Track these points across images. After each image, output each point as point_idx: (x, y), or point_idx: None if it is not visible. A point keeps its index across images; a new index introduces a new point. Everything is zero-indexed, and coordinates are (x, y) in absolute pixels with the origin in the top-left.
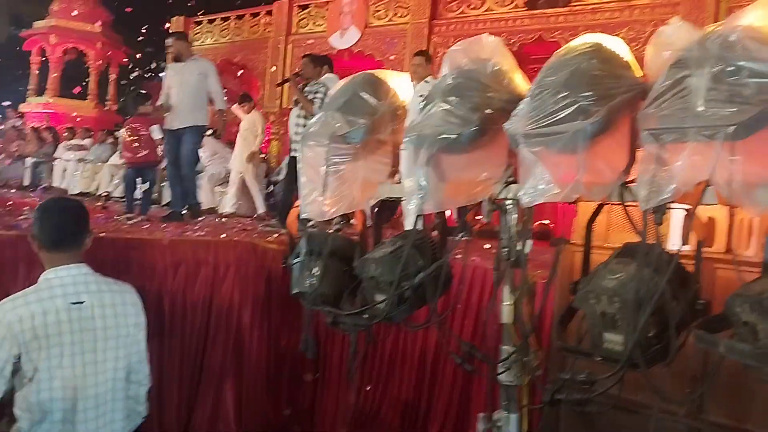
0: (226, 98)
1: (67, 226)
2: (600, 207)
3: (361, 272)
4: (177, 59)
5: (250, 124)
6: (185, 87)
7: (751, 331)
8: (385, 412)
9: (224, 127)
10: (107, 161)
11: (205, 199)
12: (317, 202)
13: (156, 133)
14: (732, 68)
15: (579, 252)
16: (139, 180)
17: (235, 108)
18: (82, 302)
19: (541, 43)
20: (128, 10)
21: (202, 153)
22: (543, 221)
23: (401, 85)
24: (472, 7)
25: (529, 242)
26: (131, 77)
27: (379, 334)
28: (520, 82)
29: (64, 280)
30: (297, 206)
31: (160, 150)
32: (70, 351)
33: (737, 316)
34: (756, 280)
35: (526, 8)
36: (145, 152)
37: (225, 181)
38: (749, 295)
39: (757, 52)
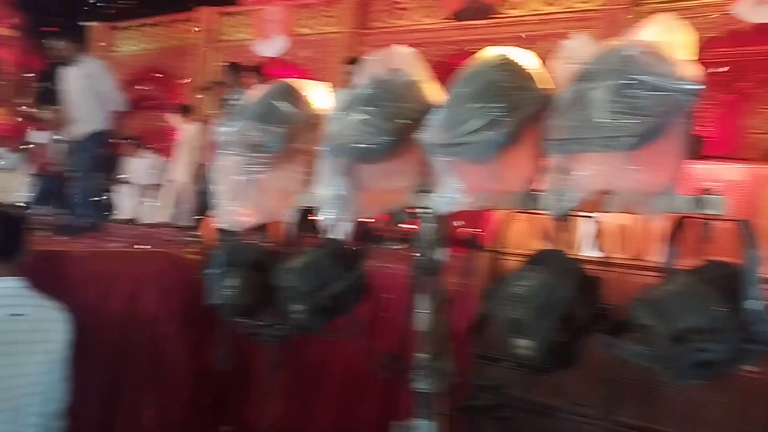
0: (125, 102)
1: (8, 237)
2: (513, 215)
3: (278, 282)
4: (64, 63)
5: (193, 134)
6: (75, 92)
7: (649, 333)
8: (313, 424)
9: (127, 132)
10: (21, 170)
11: (128, 208)
12: (233, 211)
13: (35, 138)
14: (631, 81)
15: (500, 259)
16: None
17: (174, 118)
18: (21, 314)
19: (467, 54)
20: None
21: (137, 164)
22: (472, 228)
23: (318, 94)
24: (398, 17)
25: (445, 250)
26: (47, 85)
27: (301, 345)
28: (433, 92)
29: (5, 291)
30: (211, 216)
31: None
32: (2, 362)
33: (638, 320)
34: (656, 285)
35: (451, 20)
36: (38, 160)
37: (153, 190)
38: (648, 299)
39: (654, 67)
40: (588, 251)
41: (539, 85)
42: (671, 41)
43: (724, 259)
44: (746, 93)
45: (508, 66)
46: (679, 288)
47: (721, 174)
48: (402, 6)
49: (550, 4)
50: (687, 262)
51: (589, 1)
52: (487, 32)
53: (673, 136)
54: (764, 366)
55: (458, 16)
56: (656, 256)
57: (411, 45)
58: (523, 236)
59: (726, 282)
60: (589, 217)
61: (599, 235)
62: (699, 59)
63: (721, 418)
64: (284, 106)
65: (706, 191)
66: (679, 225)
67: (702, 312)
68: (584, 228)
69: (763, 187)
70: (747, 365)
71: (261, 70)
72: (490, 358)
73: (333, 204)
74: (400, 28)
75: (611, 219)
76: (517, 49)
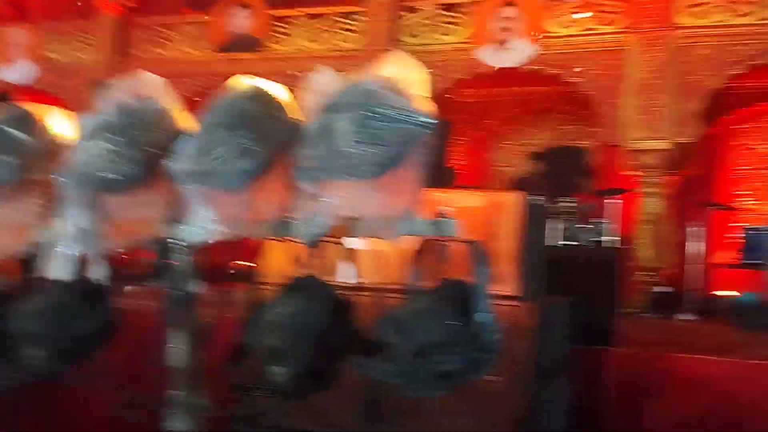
0: None
1: None
2: (264, 244)
3: (12, 326)
4: None
5: None
6: None
7: (393, 351)
8: None
9: None
10: None
11: None
12: None
13: None
14: (372, 113)
15: (258, 288)
16: None
17: None
18: None
19: None
20: None
21: None
22: (246, 261)
23: (58, 121)
24: (161, 46)
25: (199, 281)
26: None
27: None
28: (183, 120)
29: None
30: None
31: None
32: None
33: (384, 338)
34: (401, 305)
35: (218, 52)
36: None
37: None
38: (392, 317)
39: (392, 100)
40: (345, 277)
41: (289, 116)
42: (408, 77)
43: (461, 277)
44: (492, 130)
45: (259, 96)
46: (418, 306)
47: (463, 201)
48: (166, 35)
49: (315, 42)
50: (429, 282)
51: (351, 42)
52: (253, 66)
53: (411, 164)
54: (505, 374)
55: (224, 48)
56: (407, 278)
57: (175, 75)
58: (280, 264)
59: (460, 298)
60: (341, 243)
61: (356, 261)
62: (450, 98)
63: (472, 426)
64: (16, 133)
65: (442, 215)
66: (421, 248)
67: (438, 327)
68: (341, 254)
69: (498, 212)
70: (482, 374)
71: (8, 96)
72: (249, 389)
73: (76, 238)
74: (164, 58)
75: (368, 245)
76: (268, 81)
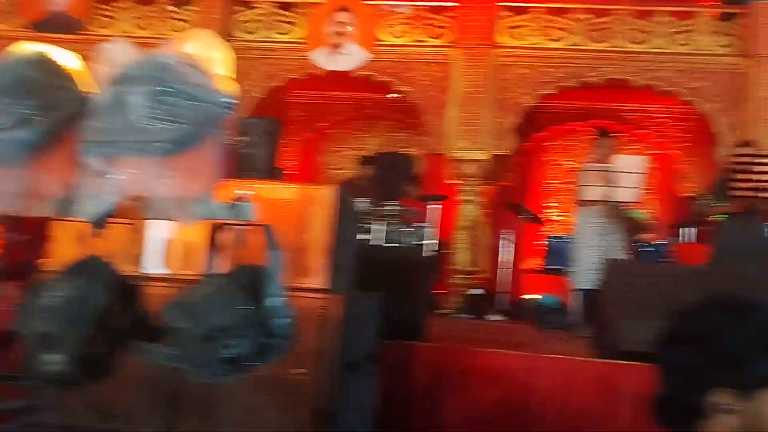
0: None
1: None
2: (47, 224)
3: None
4: None
5: None
6: None
7: (180, 335)
8: None
9: None
10: None
11: None
12: None
13: None
14: (168, 89)
15: (38, 271)
16: None
17: None
18: None
19: None
20: None
21: None
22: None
23: None
24: None
25: None
26: None
27: None
28: None
29: None
30: None
31: None
32: None
33: (171, 322)
34: (191, 289)
35: (30, 30)
36: None
37: None
38: (181, 301)
39: (191, 77)
40: (136, 261)
41: (78, 86)
42: (211, 57)
43: (255, 261)
44: (323, 133)
45: (43, 63)
46: (207, 290)
47: (276, 193)
48: None
49: (143, 29)
50: (224, 266)
51: (181, 32)
52: (70, 47)
53: (209, 145)
54: (310, 366)
55: (38, 27)
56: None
57: None
58: (63, 245)
59: (252, 282)
60: (131, 223)
61: (149, 243)
62: (283, 98)
63: (275, 419)
64: None
65: (239, 199)
66: (216, 231)
67: (226, 311)
68: (131, 236)
69: (310, 206)
70: (272, 359)
71: None
72: (9, 378)
73: None
74: None
75: (165, 228)
76: (56, 48)
